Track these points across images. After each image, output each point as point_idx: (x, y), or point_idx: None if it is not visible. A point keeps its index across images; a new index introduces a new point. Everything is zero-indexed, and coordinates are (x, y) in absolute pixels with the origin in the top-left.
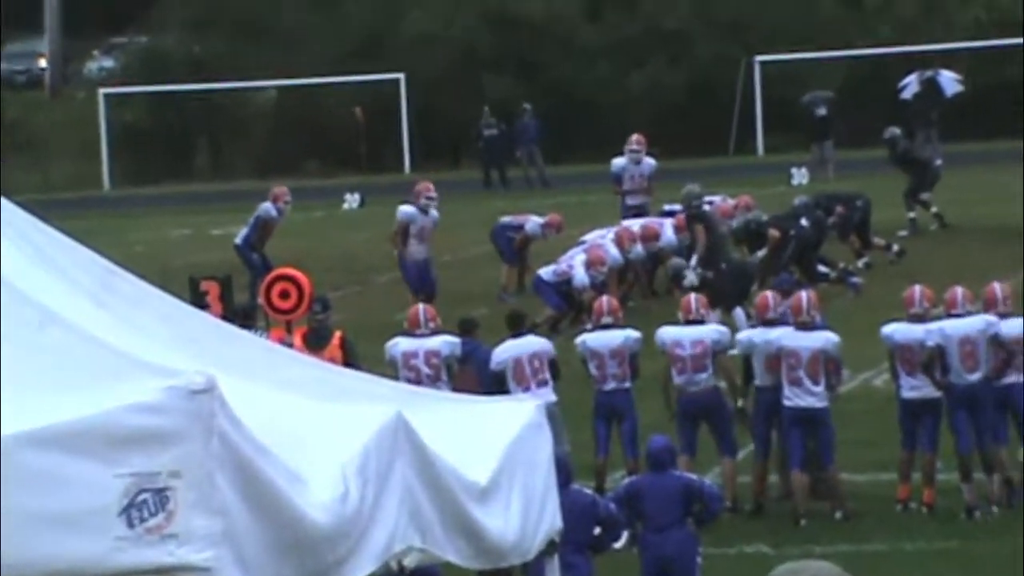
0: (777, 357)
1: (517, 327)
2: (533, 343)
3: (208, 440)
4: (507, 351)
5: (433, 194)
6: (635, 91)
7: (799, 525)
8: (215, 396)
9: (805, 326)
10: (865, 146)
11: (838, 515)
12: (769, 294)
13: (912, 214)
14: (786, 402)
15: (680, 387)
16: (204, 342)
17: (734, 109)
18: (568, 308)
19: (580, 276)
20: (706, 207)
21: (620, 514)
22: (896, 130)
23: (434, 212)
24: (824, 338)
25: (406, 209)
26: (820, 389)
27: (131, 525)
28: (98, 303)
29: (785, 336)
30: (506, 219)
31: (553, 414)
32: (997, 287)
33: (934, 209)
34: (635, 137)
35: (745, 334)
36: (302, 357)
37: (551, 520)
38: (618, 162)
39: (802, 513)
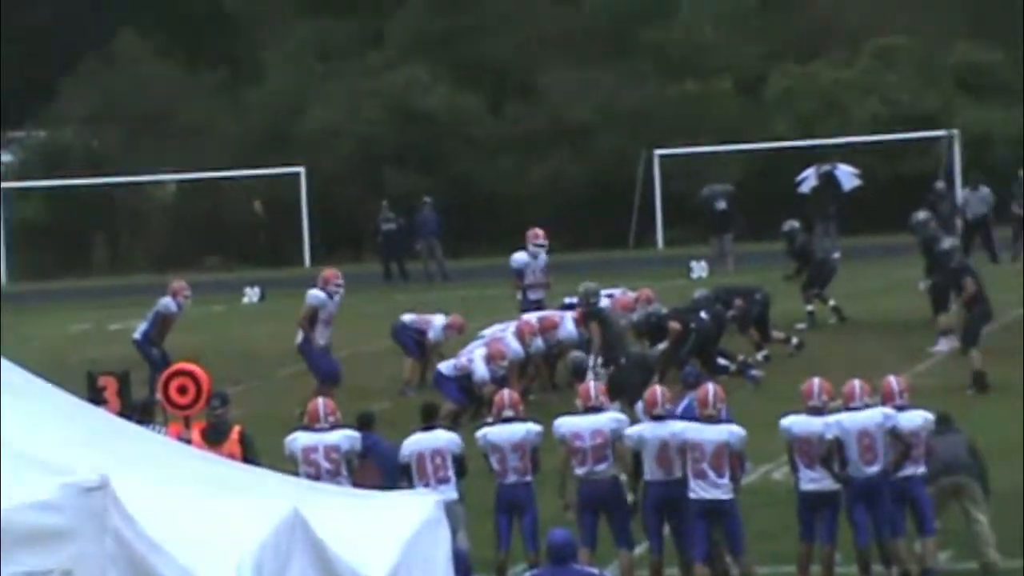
0: (666, 451)
1: (428, 420)
2: (439, 438)
3: (101, 538)
4: (414, 444)
5: (341, 281)
6: (536, 184)
7: None
8: (108, 493)
9: (711, 419)
10: (764, 239)
11: None
12: (658, 389)
13: (810, 307)
14: (691, 495)
15: (580, 478)
16: (100, 439)
17: (634, 202)
18: (468, 402)
19: (480, 371)
20: (604, 302)
21: None
22: (795, 223)
23: (337, 299)
24: (728, 431)
25: (317, 294)
26: (725, 481)
27: None
28: None
29: (689, 429)
30: (408, 318)
31: (452, 509)
32: (893, 380)
33: (832, 302)
34: (537, 231)
35: (635, 429)
36: (200, 453)
37: None
38: (519, 257)
39: None
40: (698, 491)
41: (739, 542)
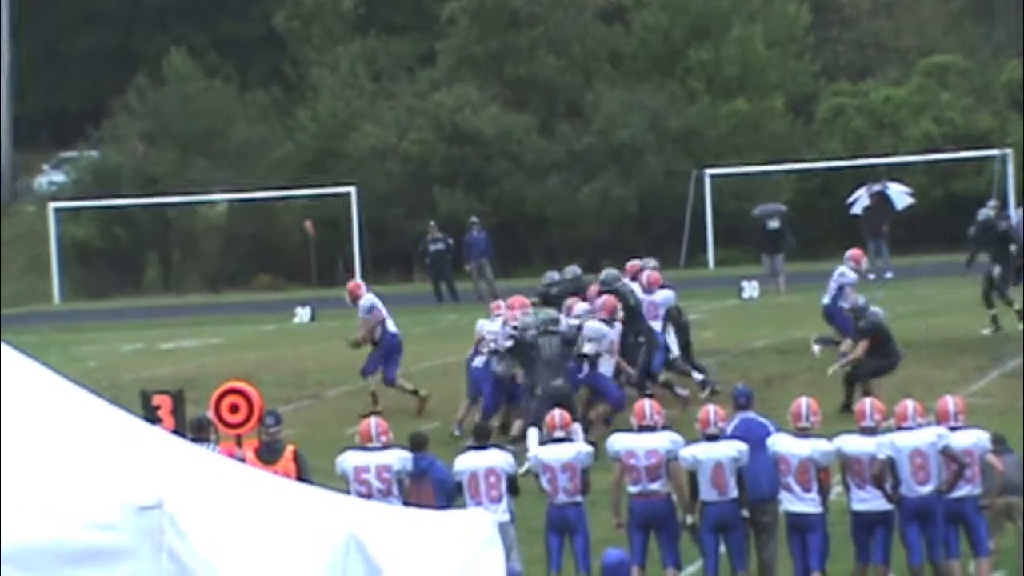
0: (720, 472)
1: (482, 440)
2: (494, 457)
3: (157, 557)
4: (467, 463)
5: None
6: (586, 204)
7: None
8: (164, 513)
9: (802, 432)
10: (815, 259)
11: None
12: (711, 408)
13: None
14: (780, 508)
15: (633, 495)
16: (157, 457)
17: (685, 221)
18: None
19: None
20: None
21: None
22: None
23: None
24: (811, 446)
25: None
26: (812, 495)
27: None
28: (47, 419)
29: (778, 442)
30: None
31: (504, 529)
32: (950, 400)
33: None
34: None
35: (690, 450)
36: (256, 472)
37: None
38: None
39: None
40: (786, 504)
41: (820, 558)
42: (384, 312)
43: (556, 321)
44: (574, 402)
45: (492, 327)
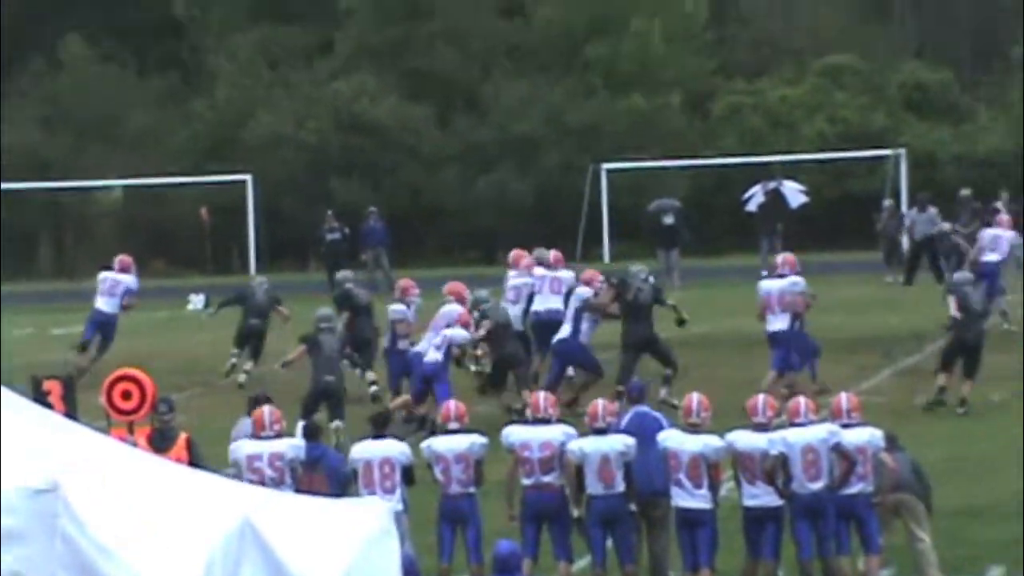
0: (607, 465)
1: (380, 428)
2: (390, 448)
3: (51, 541)
4: (363, 452)
5: (417, 291)
6: (482, 196)
7: None
8: (59, 497)
9: (693, 427)
10: (710, 254)
11: None
12: (600, 402)
13: None
14: (672, 503)
15: (527, 487)
16: (50, 442)
17: (581, 216)
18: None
19: (461, 335)
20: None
21: None
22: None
23: (414, 308)
24: (704, 442)
25: (397, 308)
26: (703, 492)
27: None
28: None
29: (669, 437)
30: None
31: (398, 519)
32: (843, 397)
33: None
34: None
35: (577, 443)
36: (151, 458)
37: None
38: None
39: None
40: (677, 500)
41: (709, 553)
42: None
43: (331, 318)
44: (342, 398)
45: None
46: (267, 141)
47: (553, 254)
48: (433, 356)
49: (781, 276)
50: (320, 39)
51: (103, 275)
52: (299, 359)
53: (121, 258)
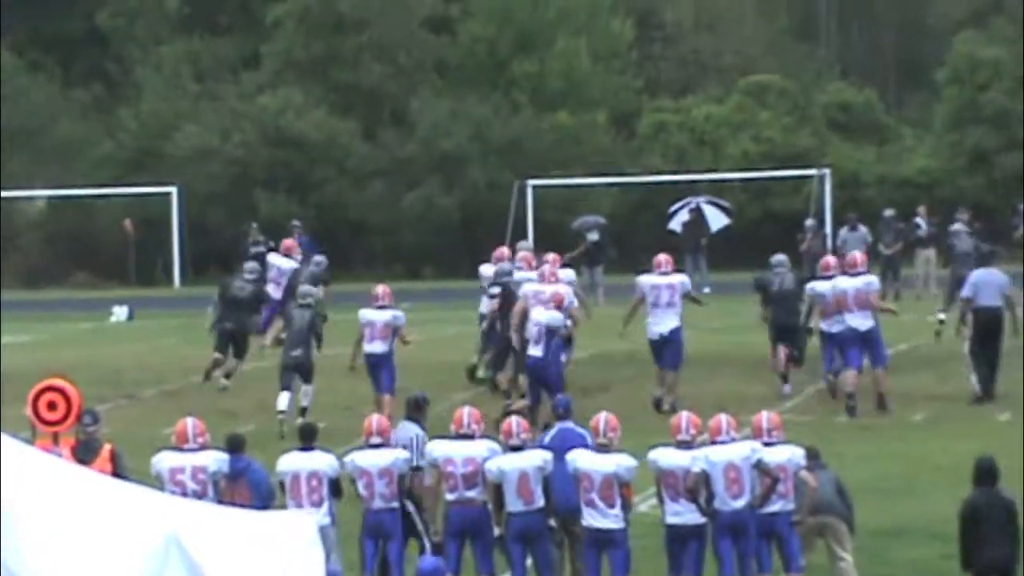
0: (525, 482)
1: (308, 440)
2: (317, 460)
3: None
4: (290, 464)
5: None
6: (408, 211)
7: None
8: None
9: (603, 448)
10: (635, 272)
11: None
12: (514, 419)
13: None
14: (583, 522)
15: (450, 503)
16: None
17: (506, 231)
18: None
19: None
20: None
21: None
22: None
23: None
24: (616, 462)
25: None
26: (615, 512)
27: None
28: None
29: (579, 458)
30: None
31: (324, 533)
32: (764, 416)
33: None
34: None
35: (495, 462)
36: (78, 470)
37: None
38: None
39: None
40: (589, 520)
41: (623, 573)
42: None
43: (310, 294)
44: (311, 370)
45: (380, 316)
46: (193, 153)
47: (523, 254)
48: (534, 351)
49: (856, 275)
50: (247, 52)
51: None
52: (278, 334)
53: None
